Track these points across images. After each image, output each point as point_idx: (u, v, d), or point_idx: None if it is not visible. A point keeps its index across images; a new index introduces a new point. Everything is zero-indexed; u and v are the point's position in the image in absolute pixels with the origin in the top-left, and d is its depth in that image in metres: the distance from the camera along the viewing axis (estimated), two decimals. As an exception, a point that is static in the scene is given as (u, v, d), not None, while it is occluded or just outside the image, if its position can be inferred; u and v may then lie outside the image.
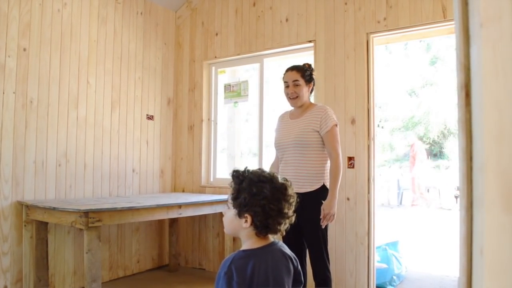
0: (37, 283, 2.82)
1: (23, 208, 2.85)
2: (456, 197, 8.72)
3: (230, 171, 1.34)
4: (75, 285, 3.21)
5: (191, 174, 4.11)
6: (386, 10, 3.08)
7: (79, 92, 3.30)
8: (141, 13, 3.87)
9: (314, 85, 2.67)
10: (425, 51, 12.86)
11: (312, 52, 3.43)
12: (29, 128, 2.94)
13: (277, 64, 4.33)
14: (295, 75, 2.51)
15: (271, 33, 3.66)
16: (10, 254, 2.79)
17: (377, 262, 3.28)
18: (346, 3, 3.26)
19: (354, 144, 3.15)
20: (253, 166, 1.42)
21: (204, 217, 3.96)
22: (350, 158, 3.15)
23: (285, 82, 2.56)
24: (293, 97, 2.53)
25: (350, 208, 3.15)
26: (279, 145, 2.59)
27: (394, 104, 12.72)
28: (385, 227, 5.75)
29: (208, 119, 4.12)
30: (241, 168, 1.33)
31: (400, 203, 9.68)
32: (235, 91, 3.96)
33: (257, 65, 3.86)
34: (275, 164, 2.68)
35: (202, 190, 4.00)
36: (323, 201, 2.36)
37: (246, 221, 1.26)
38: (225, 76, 4.15)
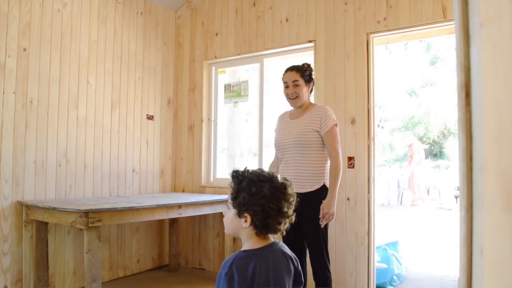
0: (37, 283, 2.82)
1: (23, 208, 2.85)
2: (456, 197, 8.72)
3: (230, 171, 1.35)
4: (75, 285, 3.21)
5: (191, 174, 4.11)
6: (386, 10, 3.08)
7: (79, 92, 3.30)
8: (141, 13, 3.87)
9: (313, 85, 2.67)
10: (425, 51, 12.86)
11: (312, 52, 3.43)
12: (29, 128, 2.94)
13: (277, 64, 4.33)
14: (295, 75, 2.51)
15: (271, 33, 3.66)
16: (10, 254, 2.79)
17: (377, 262, 3.28)
18: (346, 3, 3.26)
19: (354, 144, 3.15)
20: (253, 166, 1.42)
21: (204, 217, 3.96)
22: (350, 158, 3.15)
23: (284, 82, 2.56)
24: (293, 98, 2.53)
25: (350, 208, 3.15)
26: (279, 145, 2.59)
27: (394, 104, 12.72)
28: (385, 227, 5.75)
29: (208, 119, 4.12)
30: (241, 168, 1.33)
31: (400, 203, 9.68)
32: (235, 91, 3.96)
33: (257, 65, 3.86)
34: (274, 163, 2.68)
35: (202, 190, 4.00)
36: (323, 201, 2.36)
37: (245, 220, 1.26)
38: (225, 76, 4.15)
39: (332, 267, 2.59)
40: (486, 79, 0.47)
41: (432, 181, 9.86)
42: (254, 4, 3.79)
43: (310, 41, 3.43)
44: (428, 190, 9.55)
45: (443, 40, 11.32)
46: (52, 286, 3.04)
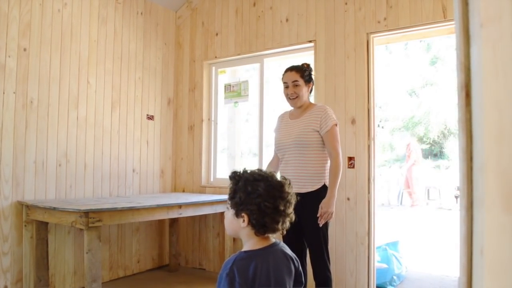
0: (37, 283, 2.82)
1: (23, 208, 2.85)
2: (456, 197, 8.71)
3: (230, 171, 1.35)
4: (75, 285, 3.21)
5: (191, 174, 4.11)
6: (386, 10, 3.08)
7: (79, 92, 3.30)
8: (141, 13, 3.87)
9: (313, 85, 2.67)
10: (425, 51, 12.87)
11: (312, 52, 3.43)
12: (29, 128, 2.94)
13: (277, 64, 4.34)
14: (295, 76, 2.51)
15: (271, 33, 3.66)
16: (10, 254, 2.79)
17: (377, 262, 3.28)
18: (346, 3, 3.26)
19: (354, 144, 3.15)
20: (253, 166, 1.42)
21: (204, 217, 3.96)
22: (350, 158, 3.15)
23: (284, 82, 2.56)
24: (293, 98, 2.53)
25: (350, 208, 3.15)
26: (279, 145, 2.59)
27: (394, 104, 12.72)
28: (385, 227, 5.75)
29: (208, 119, 4.12)
30: (240, 169, 1.34)
31: (401, 203, 9.68)
32: (235, 91, 3.96)
33: (257, 65, 3.86)
34: (273, 163, 2.68)
35: (202, 190, 4.01)
36: (322, 200, 2.36)
37: (243, 220, 1.27)
38: (225, 76, 4.15)
39: (332, 267, 2.59)
40: (486, 79, 0.47)
41: (432, 181, 9.85)
42: (254, 4, 3.79)
43: (310, 41, 3.43)
44: (428, 190, 9.55)
45: (443, 40, 11.33)
46: (52, 286, 3.04)
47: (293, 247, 1.68)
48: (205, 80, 4.10)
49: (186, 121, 4.18)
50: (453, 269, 3.99)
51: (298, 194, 1.42)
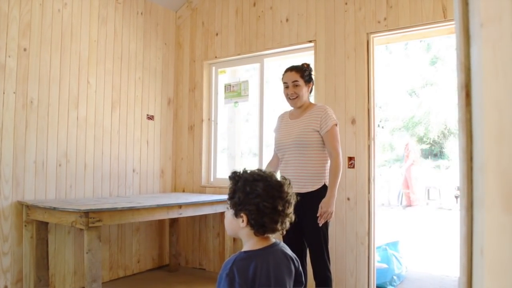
0: (37, 283, 2.82)
1: (24, 208, 2.85)
2: (456, 197, 8.72)
3: (230, 172, 1.35)
4: (76, 285, 3.21)
5: (192, 174, 4.12)
6: (387, 10, 3.08)
7: (80, 92, 3.30)
8: (141, 13, 3.87)
9: (313, 85, 2.67)
10: (425, 51, 12.87)
11: (312, 52, 3.43)
12: (30, 128, 2.94)
13: (277, 64, 4.33)
14: (295, 76, 2.51)
15: (271, 33, 3.66)
16: (10, 254, 2.79)
17: (377, 262, 3.28)
18: (346, 3, 3.26)
19: (354, 144, 3.15)
20: (253, 166, 1.42)
21: (204, 217, 3.96)
22: (350, 158, 3.15)
23: (284, 83, 2.56)
24: (293, 98, 2.53)
25: (350, 208, 3.15)
26: (279, 145, 2.59)
27: (394, 104, 12.73)
28: (385, 227, 5.75)
29: (209, 119, 4.12)
30: (240, 169, 1.34)
31: (401, 203, 9.68)
32: (235, 91, 3.96)
33: (257, 65, 3.86)
34: (272, 162, 2.68)
35: (202, 190, 4.01)
36: (322, 200, 2.36)
37: (242, 220, 1.27)
38: (225, 76, 4.15)
39: (332, 267, 2.59)
40: (486, 79, 0.47)
41: (432, 181, 9.85)
42: (254, 4, 3.79)
43: (310, 41, 3.43)
44: (428, 190, 9.55)
45: (443, 40, 11.33)
46: (52, 286, 3.04)
47: (293, 247, 1.68)
48: (205, 80, 4.10)
49: (186, 121, 4.18)
50: (453, 269, 3.99)
51: (298, 194, 1.42)
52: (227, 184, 1.37)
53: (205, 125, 4.09)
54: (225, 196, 1.36)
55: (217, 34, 4.01)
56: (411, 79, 12.72)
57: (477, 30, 0.50)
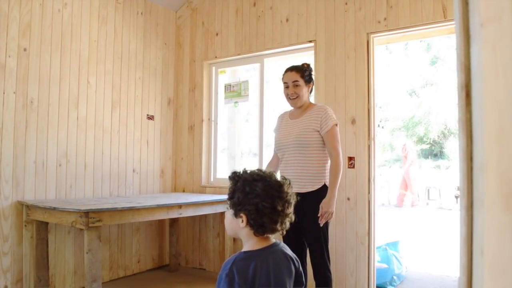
0: (37, 283, 2.82)
1: (24, 208, 2.85)
2: (456, 197, 8.71)
3: (230, 172, 1.35)
4: (76, 285, 3.21)
5: (192, 174, 4.12)
6: (387, 10, 3.08)
7: (80, 92, 3.30)
8: (141, 13, 3.87)
9: (313, 85, 2.67)
10: (425, 51, 12.87)
11: (312, 52, 3.43)
12: (30, 128, 2.94)
13: (277, 64, 4.33)
14: (295, 76, 2.52)
15: (272, 33, 3.66)
16: (10, 254, 2.79)
17: (377, 262, 3.28)
18: (346, 3, 3.26)
19: (354, 144, 3.15)
20: (253, 166, 1.42)
21: (204, 217, 3.96)
22: (350, 158, 3.15)
23: (284, 83, 2.56)
24: (293, 98, 2.53)
25: (350, 208, 3.15)
26: (279, 145, 2.59)
27: (394, 104, 12.73)
28: (385, 227, 5.75)
29: (209, 119, 4.12)
30: (239, 169, 1.34)
31: (402, 203, 9.67)
32: (235, 91, 3.96)
33: (257, 65, 3.86)
34: (273, 162, 2.68)
35: (202, 190, 4.01)
36: (323, 200, 2.36)
37: (242, 221, 1.27)
38: (226, 76, 4.15)
39: (333, 267, 2.59)
40: (486, 79, 0.47)
41: (432, 181, 9.85)
42: (254, 4, 3.79)
43: (311, 41, 3.43)
44: (428, 190, 9.55)
45: (443, 40, 11.33)
46: (52, 286, 3.04)
47: (293, 247, 1.68)
48: (205, 80, 4.10)
49: (186, 121, 4.18)
50: (453, 269, 3.99)
51: (298, 194, 1.42)
52: (227, 184, 1.37)
53: (205, 125, 4.09)
54: (225, 196, 1.36)
55: (217, 34, 4.01)
56: (411, 79, 12.73)
57: (477, 30, 0.50)
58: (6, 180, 2.79)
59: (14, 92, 2.85)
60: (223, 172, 4.12)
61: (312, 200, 2.36)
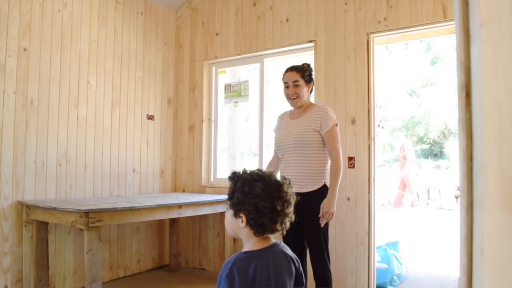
0: (37, 283, 2.82)
1: (24, 208, 2.85)
2: (456, 197, 8.72)
3: (230, 172, 1.35)
4: (76, 285, 3.21)
5: (192, 174, 4.12)
6: (387, 10, 3.08)
7: (80, 92, 3.30)
8: (141, 13, 3.87)
9: (313, 85, 2.67)
10: (425, 51, 12.87)
11: (312, 52, 3.43)
12: (30, 128, 2.94)
13: (277, 64, 4.33)
14: (295, 76, 2.52)
15: (272, 33, 3.66)
16: (10, 254, 2.79)
17: (377, 262, 3.28)
18: (346, 3, 3.26)
19: (354, 144, 3.15)
20: (253, 166, 1.42)
21: (204, 217, 3.96)
22: (350, 158, 3.15)
23: (285, 82, 2.56)
24: (293, 98, 2.53)
25: (350, 208, 3.14)
26: (279, 145, 2.59)
27: (394, 104, 12.72)
28: (385, 227, 5.75)
29: (209, 119, 4.12)
30: (239, 170, 1.34)
31: (401, 202, 9.68)
32: (235, 91, 3.96)
33: (257, 65, 3.86)
34: (273, 162, 2.68)
35: (202, 190, 4.01)
36: (323, 200, 2.36)
37: (242, 221, 1.27)
38: (226, 76, 4.15)
39: (333, 267, 2.59)
40: (486, 79, 0.47)
41: (432, 181, 9.85)
42: (254, 4, 3.79)
43: (311, 41, 3.43)
44: (428, 190, 9.55)
45: (443, 40, 11.33)
46: (52, 286, 3.04)
47: (293, 247, 1.68)
48: (205, 80, 4.10)
49: (186, 121, 4.18)
50: (453, 269, 3.99)
51: (298, 194, 1.42)
52: (227, 184, 1.37)
53: (205, 125, 4.09)
54: (225, 196, 1.36)
55: (217, 34, 4.01)
56: (411, 79, 12.72)
57: (477, 30, 0.50)
58: (6, 180, 2.79)
59: (14, 92, 2.85)
60: (223, 172, 4.12)
61: (312, 200, 2.36)
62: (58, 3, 3.14)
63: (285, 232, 1.32)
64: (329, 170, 2.44)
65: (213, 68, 4.14)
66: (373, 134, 3.13)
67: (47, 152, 3.05)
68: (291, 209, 1.30)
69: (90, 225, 2.41)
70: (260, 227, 1.26)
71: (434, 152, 12.71)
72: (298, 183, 2.39)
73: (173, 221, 3.96)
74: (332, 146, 2.41)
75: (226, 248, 3.68)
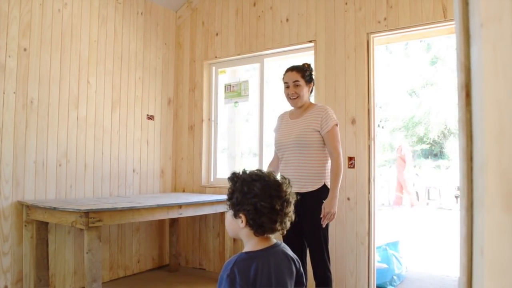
0: (37, 283, 2.82)
1: (24, 208, 2.85)
2: (456, 197, 8.72)
3: (230, 172, 1.35)
4: (76, 285, 3.21)
5: (192, 174, 4.12)
6: (387, 10, 3.08)
7: (80, 92, 3.30)
8: (141, 13, 3.87)
9: (314, 85, 2.67)
10: (425, 51, 12.87)
11: (312, 52, 3.43)
12: (30, 128, 2.94)
13: (277, 64, 4.33)
14: (296, 76, 2.52)
15: (272, 33, 3.66)
16: (10, 254, 2.79)
17: (377, 262, 3.28)
18: (346, 3, 3.26)
19: (354, 144, 3.15)
20: (253, 166, 1.43)
21: (204, 217, 3.96)
22: (350, 158, 3.15)
23: (285, 82, 2.56)
24: (293, 98, 2.53)
25: (350, 208, 3.14)
26: (279, 145, 2.59)
27: (394, 104, 12.72)
28: (385, 227, 5.75)
29: (209, 119, 4.12)
30: (239, 170, 1.34)
31: (401, 203, 9.68)
32: (235, 91, 3.96)
33: (257, 65, 3.86)
34: (273, 162, 2.68)
35: (202, 190, 4.01)
36: (324, 201, 2.36)
37: (242, 221, 1.27)
38: (226, 76, 4.15)
39: (333, 267, 2.59)
40: (487, 79, 0.47)
41: (432, 181, 9.85)
42: (254, 4, 3.79)
43: (311, 41, 3.43)
44: (428, 190, 9.55)
45: (443, 40, 11.33)
46: (52, 286, 3.04)
47: (293, 247, 1.68)
48: (205, 80, 4.10)
49: (186, 121, 4.18)
50: (453, 269, 3.99)
51: (298, 194, 1.42)
52: (227, 184, 1.37)
53: (205, 125, 4.09)
54: (225, 196, 1.37)
55: (217, 34, 4.01)
56: (411, 79, 12.72)
57: (477, 30, 0.50)
58: (6, 180, 2.79)
59: (14, 92, 2.85)
60: (223, 172, 4.12)
61: (312, 200, 2.36)
62: (58, 3, 3.14)
63: (285, 232, 1.32)
64: (329, 170, 2.44)
65: (213, 68, 4.14)
66: (373, 134, 3.13)
67: (47, 152, 3.05)
68: (290, 209, 1.29)
69: (90, 225, 2.41)
70: (259, 227, 1.25)
71: (434, 152, 12.71)
72: (298, 183, 2.39)
73: (173, 221, 3.96)
74: (332, 146, 2.41)
75: (226, 248, 3.68)
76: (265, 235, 1.30)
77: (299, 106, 2.56)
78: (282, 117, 2.71)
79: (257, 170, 1.33)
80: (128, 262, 3.71)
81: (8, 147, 2.81)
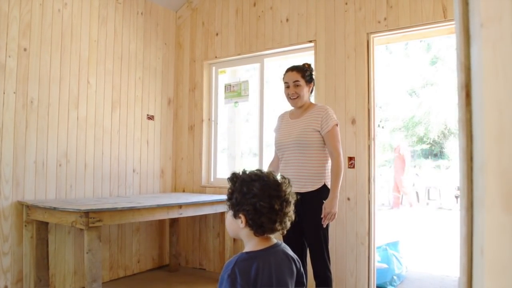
0: (37, 283, 2.82)
1: (24, 208, 2.85)
2: (456, 197, 8.72)
3: (230, 172, 1.35)
4: (76, 285, 3.21)
5: (192, 174, 4.12)
6: (387, 10, 3.08)
7: (80, 92, 3.30)
8: (141, 13, 3.87)
9: (314, 85, 2.67)
10: (425, 51, 12.86)
11: (312, 52, 3.43)
12: (30, 128, 2.94)
13: (277, 64, 4.33)
14: (296, 76, 2.52)
15: (272, 33, 3.66)
16: (10, 254, 2.79)
17: (377, 262, 3.28)
18: (346, 3, 3.26)
19: (354, 144, 3.15)
20: (253, 166, 1.43)
21: (204, 217, 3.96)
22: (350, 158, 3.15)
23: (285, 82, 2.56)
24: (294, 98, 2.53)
25: (350, 208, 3.15)
26: (279, 145, 2.59)
27: (394, 104, 12.72)
28: (385, 227, 5.75)
29: (209, 119, 4.12)
30: (239, 170, 1.34)
31: (401, 203, 9.68)
32: (235, 91, 3.96)
33: (257, 65, 3.86)
34: (274, 162, 2.69)
35: (202, 190, 4.01)
36: (324, 201, 2.36)
37: (241, 221, 1.27)
38: (226, 76, 4.15)
39: (333, 267, 2.59)
40: (487, 79, 0.47)
41: (432, 181, 9.85)
42: (254, 4, 3.79)
43: (311, 41, 3.43)
44: (428, 190, 9.55)
45: (443, 40, 11.33)
46: (52, 286, 3.04)
47: (293, 247, 1.68)
48: (205, 80, 4.10)
49: (186, 121, 4.18)
50: (453, 269, 3.99)
51: (298, 194, 1.42)
52: (227, 184, 1.37)
53: (205, 125, 4.09)
54: (225, 196, 1.37)
55: (217, 34, 4.01)
56: (411, 79, 12.72)
57: (477, 30, 0.50)
58: (6, 180, 2.79)
59: (14, 92, 2.85)
60: (223, 172, 4.12)
61: (312, 200, 2.36)
62: (58, 3, 3.14)
63: (285, 232, 1.32)
64: (329, 170, 2.44)
65: (213, 68, 4.14)
66: (373, 134, 3.13)
67: (47, 152, 3.05)
68: (290, 209, 1.29)
69: (90, 225, 2.41)
70: (259, 227, 1.25)
71: (434, 152, 12.71)
72: (298, 183, 2.39)
73: (173, 221, 3.96)
74: (332, 146, 2.41)
75: (226, 248, 3.68)
76: (265, 235, 1.29)
77: (299, 106, 2.56)
78: (282, 117, 2.71)
79: (256, 170, 1.33)
80: (128, 262, 3.71)
81: (8, 147, 2.81)
